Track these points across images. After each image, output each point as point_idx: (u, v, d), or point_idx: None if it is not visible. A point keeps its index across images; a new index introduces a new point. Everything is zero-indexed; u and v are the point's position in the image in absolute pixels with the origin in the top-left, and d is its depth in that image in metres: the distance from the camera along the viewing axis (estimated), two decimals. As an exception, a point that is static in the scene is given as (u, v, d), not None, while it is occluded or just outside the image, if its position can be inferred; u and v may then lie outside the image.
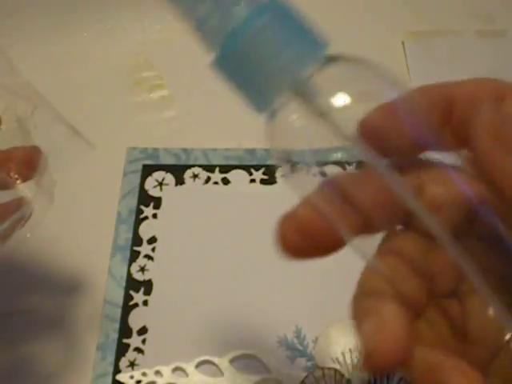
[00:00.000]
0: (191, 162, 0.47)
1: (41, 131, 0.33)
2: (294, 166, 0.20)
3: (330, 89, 0.19)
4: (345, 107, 0.19)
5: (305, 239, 0.19)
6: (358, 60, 0.20)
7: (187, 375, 0.38)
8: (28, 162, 0.32)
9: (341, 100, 0.19)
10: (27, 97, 0.32)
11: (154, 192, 0.46)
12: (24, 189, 0.31)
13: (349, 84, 0.19)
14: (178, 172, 0.46)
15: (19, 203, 0.31)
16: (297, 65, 0.19)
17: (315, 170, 0.20)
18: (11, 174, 0.31)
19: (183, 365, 0.38)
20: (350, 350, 0.37)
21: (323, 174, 0.20)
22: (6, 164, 0.31)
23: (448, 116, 0.20)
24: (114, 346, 0.39)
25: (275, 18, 0.19)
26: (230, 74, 0.20)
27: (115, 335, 0.40)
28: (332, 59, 0.19)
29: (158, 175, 0.46)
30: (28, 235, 0.31)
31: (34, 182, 0.32)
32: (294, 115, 0.20)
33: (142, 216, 0.45)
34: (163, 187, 0.46)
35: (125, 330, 0.40)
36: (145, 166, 0.47)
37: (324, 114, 0.19)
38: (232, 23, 0.19)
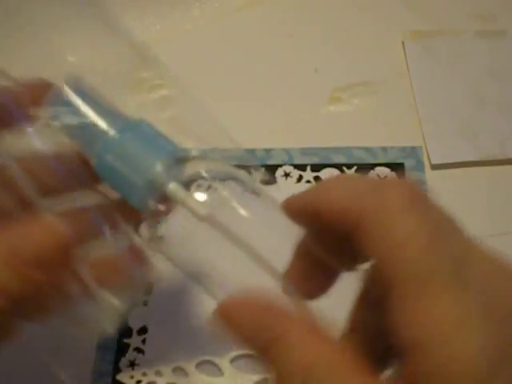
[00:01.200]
0: (191, 162, 0.47)
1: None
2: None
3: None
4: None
5: None
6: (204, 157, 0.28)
7: (187, 375, 0.38)
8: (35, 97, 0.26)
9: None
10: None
11: (153, 192, 0.46)
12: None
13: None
14: (178, 172, 0.46)
15: (139, 257, 0.25)
16: (152, 169, 0.26)
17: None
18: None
19: (183, 365, 0.38)
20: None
21: None
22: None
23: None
24: (114, 346, 0.39)
25: (134, 136, 0.27)
26: (108, 177, 0.27)
27: (115, 335, 0.40)
28: (185, 159, 0.27)
29: (158, 175, 0.46)
30: None
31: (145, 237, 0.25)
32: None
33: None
34: (163, 187, 0.46)
35: (125, 330, 0.40)
36: (145, 166, 0.47)
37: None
38: (101, 140, 0.26)
